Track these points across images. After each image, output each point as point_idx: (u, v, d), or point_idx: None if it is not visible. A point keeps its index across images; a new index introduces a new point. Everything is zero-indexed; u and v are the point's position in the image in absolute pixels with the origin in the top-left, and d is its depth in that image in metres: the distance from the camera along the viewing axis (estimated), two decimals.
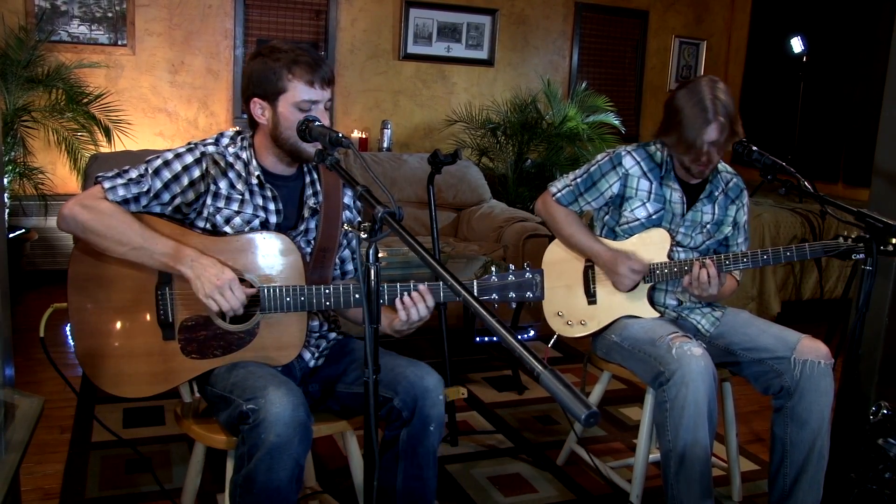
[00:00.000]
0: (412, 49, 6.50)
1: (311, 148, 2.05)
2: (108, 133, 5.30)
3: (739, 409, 3.16)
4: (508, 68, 6.91)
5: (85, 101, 5.26)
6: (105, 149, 5.26)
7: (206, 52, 5.92)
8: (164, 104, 5.87)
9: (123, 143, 5.35)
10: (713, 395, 2.35)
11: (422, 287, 2.06)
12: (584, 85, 6.53)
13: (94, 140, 5.27)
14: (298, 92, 2.05)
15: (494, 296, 2.13)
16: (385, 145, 6.24)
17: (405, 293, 2.06)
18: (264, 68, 2.08)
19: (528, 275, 2.14)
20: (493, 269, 2.15)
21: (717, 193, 2.68)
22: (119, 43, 5.68)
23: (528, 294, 2.14)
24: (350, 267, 2.39)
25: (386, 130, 6.25)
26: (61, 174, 5.48)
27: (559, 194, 2.73)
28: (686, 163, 2.56)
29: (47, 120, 5.17)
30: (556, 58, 7.12)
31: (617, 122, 6.32)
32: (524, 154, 6.23)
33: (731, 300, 2.76)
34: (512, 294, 2.14)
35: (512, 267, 2.15)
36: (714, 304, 2.74)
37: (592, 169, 2.68)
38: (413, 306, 2.06)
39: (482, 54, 6.76)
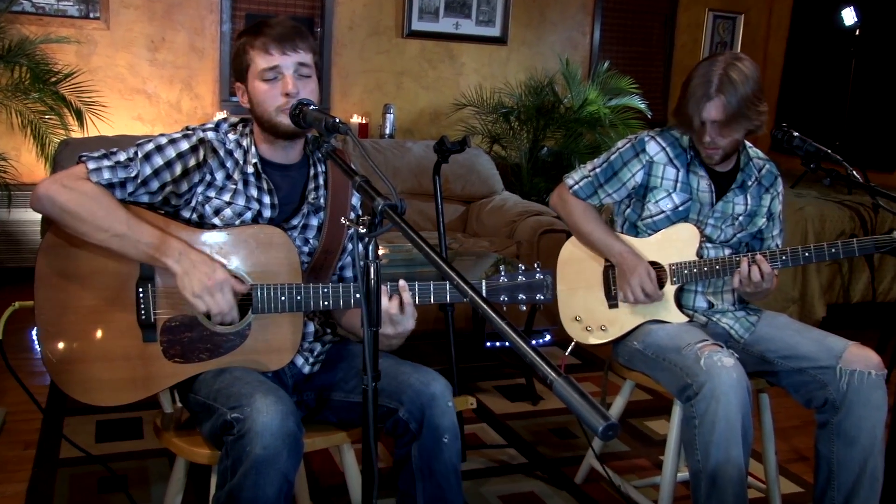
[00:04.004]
0: (417, 26, 6.50)
1: (286, 120, 2.06)
2: (79, 116, 5.27)
3: (779, 424, 3.16)
4: (523, 47, 6.91)
5: (53, 80, 5.21)
6: (77, 134, 5.25)
7: (189, 28, 5.94)
8: (142, 85, 5.88)
9: (98, 127, 5.35)
10: (747, 410, 2.35)
11: (401, 283, 2.07)
12: (606, 65, 6.52)
13: (63, 124, 5.24)
14: (257, 62, 2.09)
15: (503, 297, 2.15)
16: (387, 132, 6.24)
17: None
18: (236, 49, 2.15)
19: (538, 275, 2.16)
20: (501, 268, 2.17)
21: (749, 182, 2.68)
22: (91, 16, 5.69)
23: (539, 296, 2.17)
24: (350, 274, 2.39)
25: (388, 115, 6.26)
26: (27, 161, 5.48)
27: (576, 186, 2.74)
28: (696, 144, 2.59)
29: (9, 101, 5.13)
30: (575, 35, 7.12)
31: (642, 106, 6.32)
32: (540, 141, 6.23)
33: (768, 302, 2.77)
34: (522, 296, 2.16)
35: (522, 267, 2.16)
36: (749, 307, 2.75)
37: (613, 157, 2.69)
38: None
39: (494, 31, 6.76)
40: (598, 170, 2.71)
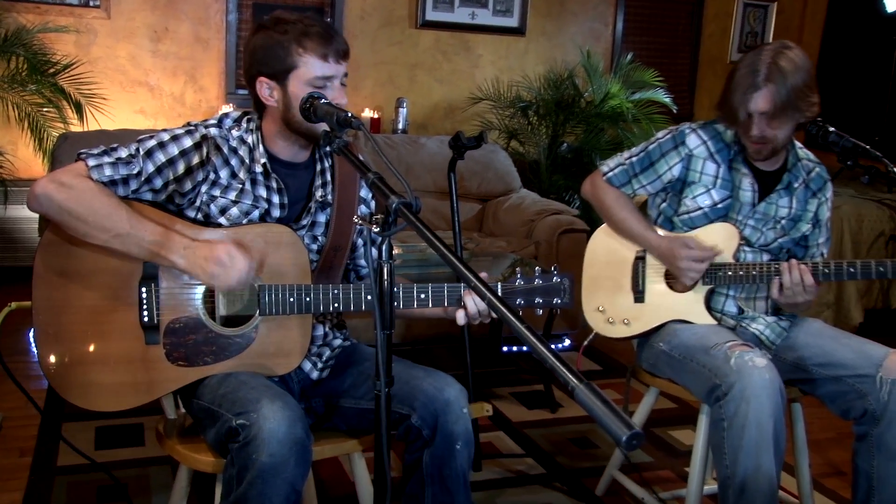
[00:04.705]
0: (431, 16, 6.51)
1: (323, 126, 2.07)
2: (79, 109, 5.30)
3: (813, 436, 3.15)
4: (542, 38, 6.91)
5: (51, 71, 5.25)
6: (76, 127, 5.27)
7: (193, 18, 5.96)
8: (144, 77, 5.91)
9: (98, 121, 5.38)
10: (780, 415, 2.33)
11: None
12: (629, 57, 6.50)
13: (62, 117, 5.27)
14: (311, 68, 2.08)
15: (520, 301, 2.15)
16: (400, 126, 6.25)
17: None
18: (270, 43, 2.10)
19: (555, 279, 2.17)
20: (518, 271, 2.17)
21: (796, 185, 2.66)
22: (91, 4, 5.72)
23: (556, 300, 2.18)
24: (363, 263, 2.41)
25: (401, 109, 6.27)
26: (24, 156, 5.51)
27: (611, 174, 2.74)
28: (742, 138, 2.56)
29: (6, 93, 5.17)
30: (597, 25, 7.11)
31: (667, 100, 6.30)
32: (559, 137, 6.23)
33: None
34: (538, 300, 2.17)
35: (538, 270, 2.17)
36: (781, 312, 2.73)
37: (651, 147, 2.69)
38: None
39: (512, 22, 6.76)
40: (634, 158, 2.71)
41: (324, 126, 1.99)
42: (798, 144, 2.70)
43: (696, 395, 2.57)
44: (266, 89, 2.13)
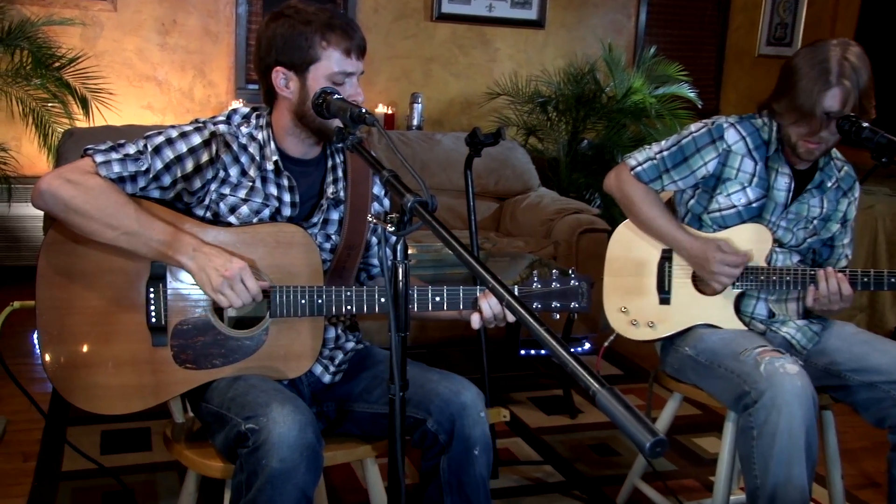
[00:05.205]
0: (447, 8, 6.51)
1: (338, 123, 2.08)
2: (84, 104, 5.33)
3: (845, 445, 3.13)
4: (562, 31, 6.90)
5: (56, 65, 5.27)
6: (82, 123, 5.30)
7: (202, 10, 5.98)
8: (152, 71, 5.94)
9: (104, 116, 5.41)
10: (812, 424, 2.31)
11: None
12: (652, 50, 6.49)
13: (68, 112, 5.30)
14: (334, 62, 2.09)
15: (536, 305, 2.16)
16: (415, 122, 6.26)
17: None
18: (292, 32, 2.10)
19: (573, 282, 2.17)
20: (534, 274, 2.17)
21: (829, 184, 2.64)
22: None
23: (574, 304, 2.19)
24: (374, 262, 2.41)
25: (416, 105, 6.27)
26: (28, 152, 5.55)
27: (639, 168, 2.69)
28: (794, 138, 2.52)
29: (10, 87, 5.19)
30: (619, 17, 7.10)
31: (692, 95, 6.29)
32: (579, 133, 6.22)
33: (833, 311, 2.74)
34: (556, 304, 2.17)
35: (556, 273, 2.17)
36: (812, 316, 2.71)
37: (685, 141, 2.65)
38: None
39: (530, 14, 6.76)
40: (665, 153, 2.66)
41: (337, 122, 2.00)
42: None
43: (723, 402, 2.55)
44: (282, 79, 2.13)
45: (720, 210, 2.63)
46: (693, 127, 2.67)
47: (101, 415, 2.11)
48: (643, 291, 2.73)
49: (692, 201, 2.71)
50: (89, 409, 2.09)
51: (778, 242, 2.63)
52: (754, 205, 2.61)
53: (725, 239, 2.61)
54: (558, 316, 2.20)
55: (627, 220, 2.76)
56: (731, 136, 2.61)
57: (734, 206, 2.62)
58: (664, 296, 2.70)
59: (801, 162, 2.59)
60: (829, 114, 2.41)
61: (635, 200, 2.70)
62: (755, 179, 2.60)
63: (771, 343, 2.57)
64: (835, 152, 2.69)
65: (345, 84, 2.10)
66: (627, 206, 2.74)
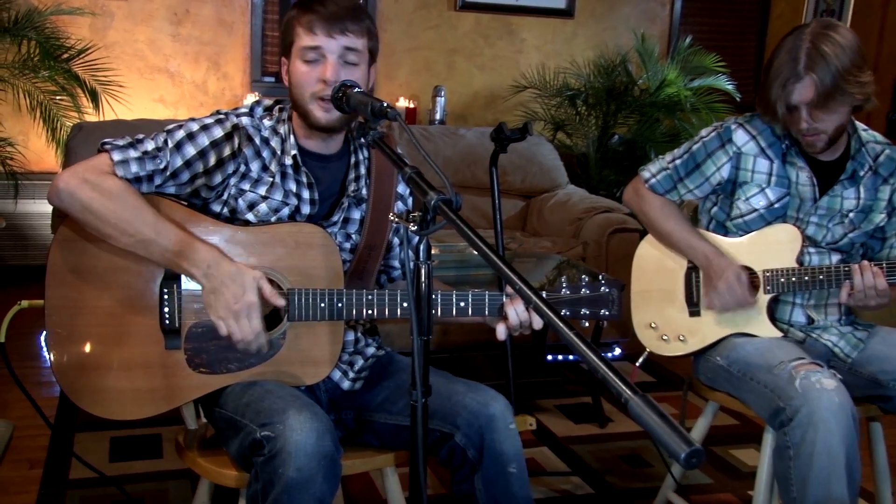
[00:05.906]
0: None
1: (319, 111, 2.11)
2: (94, 97, 5.36)
3: (895, 459, 3.10)
4: (591, 20, 6.89)
5: (65, 56, 5.30)
6: (91, 117, 5.34)
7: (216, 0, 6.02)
8: (164, 63, 5.97)
9: (115, 110, 5.45)
10: (853, 441, 2.29)
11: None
12: (688, 40, 6.47)
13: (77, 106, 5.33)
14: (299, 38, 2.12)
15: (565, 311, 2.15)
16: (437, 117, 6.27)
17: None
18: (284, 21, 2.18)
19: (603, 289, 2.16)
20: (563, 279, 2.17)
21: (862, 172, 2.60)
22: None
23: (603, 311, 2.17)
24: (395, 264, 2.42)
25: (439, 99, 6.28)
26: (35, 147, 5.59)
27: (653, 180, 2.71)
28: (793, 132, 2.52)
29: (17, 79, 5.23)
30: (653, 5, 7.07)
31: (730, 88, 6.26)
32: (610, 128, 6.21)
33: (879, 315, 2.70)
34: (584, 311, 2.16)
35: (585, 278, 2.16)
36: (857, 321, 2.70)
37: (695, 147, 2.66)
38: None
39: (559, 2, 6.75)
40: (678, 161, 2.68)
41: (325, 114, 2.06)
42: (861, 126, 2.64)
43: (758, 415, 2.53)
44: (283, 69, 2.20)
45: (742, 216, 2.62)
46: (704, 132, 2.68)
47: (110, 420, 2.12)
48: (671, 305, 2.73)
49: (715, 208, 2.71)
50: (99, 414, 2.10)
51: (810, 241, 2.60)
52: (776, 206, 2.60)
53: (755, 241, 2.61)
54: (587, 323, 2.20)
55: (650, 235, 2.77)
56: (739, 137, 2.61)
57: (755, 210, 2.61)
58: (693, 308, 2.69)
59: (822, 153, 2.57)
60: (805, 105, 2.40)
61: (652, 215, 2.72)
62: (773, 179, 2.59)
63: (811, 351, 2.55)
64: (872, 135, 2.66)
65: (319, 63, 2.10)
66: (645, 220, 2.76)
